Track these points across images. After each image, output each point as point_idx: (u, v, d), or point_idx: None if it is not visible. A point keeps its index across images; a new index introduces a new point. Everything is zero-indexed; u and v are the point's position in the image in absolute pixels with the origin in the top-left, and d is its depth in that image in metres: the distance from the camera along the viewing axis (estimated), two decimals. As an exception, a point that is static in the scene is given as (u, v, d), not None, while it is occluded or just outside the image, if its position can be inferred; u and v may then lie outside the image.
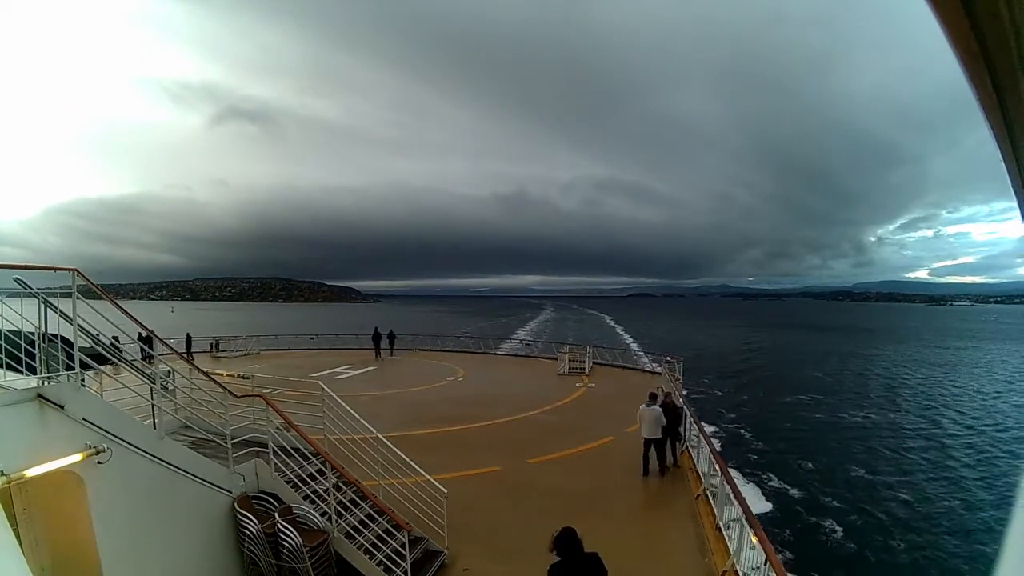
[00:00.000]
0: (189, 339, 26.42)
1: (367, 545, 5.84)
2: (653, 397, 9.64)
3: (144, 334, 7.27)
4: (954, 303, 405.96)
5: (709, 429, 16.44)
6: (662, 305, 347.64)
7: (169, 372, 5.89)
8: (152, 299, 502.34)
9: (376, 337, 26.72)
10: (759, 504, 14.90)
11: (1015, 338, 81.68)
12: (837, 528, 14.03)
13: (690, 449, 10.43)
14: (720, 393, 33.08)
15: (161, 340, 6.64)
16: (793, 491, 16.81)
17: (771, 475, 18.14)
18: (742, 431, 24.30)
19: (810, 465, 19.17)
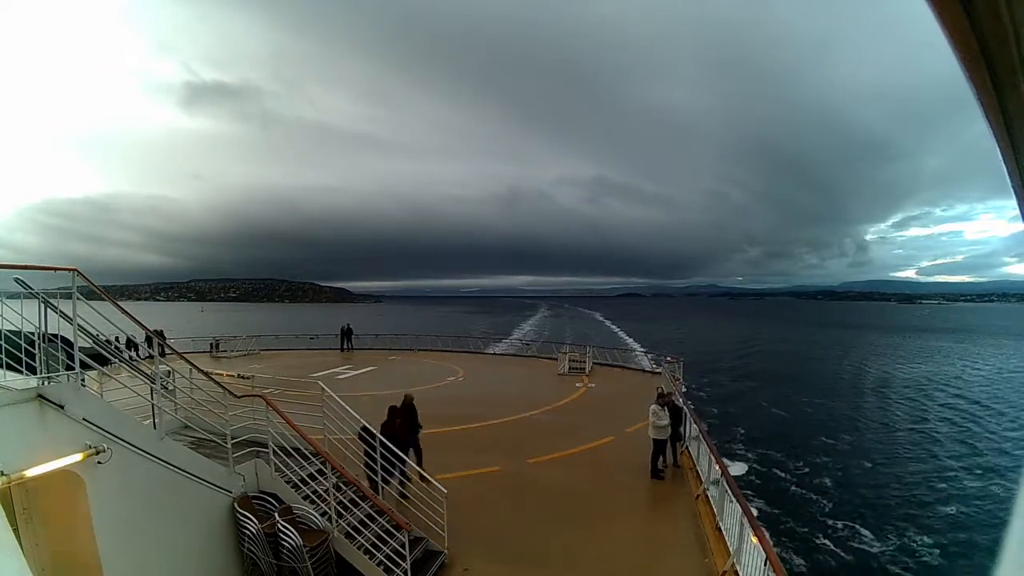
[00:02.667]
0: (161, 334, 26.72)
1: (367, 545, 5.84)
2: (660, 397, 9.64)
3: (145, 334, 7.27)
4: (923, 302, 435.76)
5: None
6: (649, 304, 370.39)
7: (169, 372, 5.89)
8: (158, 300, 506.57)
9: (346, 334, 29.47)
10: (758, 502, 15.05)
11: (927, 329, 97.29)
12: (835, 525, 14.16)
13: (690, 449, 10.44)
14: (696, 386, 33.60)
15: (162, 340, 6.64)
16: (791, 489, 16.97)
17: (768, 471, 18.38)
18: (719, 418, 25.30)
19: (801, 461, 19.27)
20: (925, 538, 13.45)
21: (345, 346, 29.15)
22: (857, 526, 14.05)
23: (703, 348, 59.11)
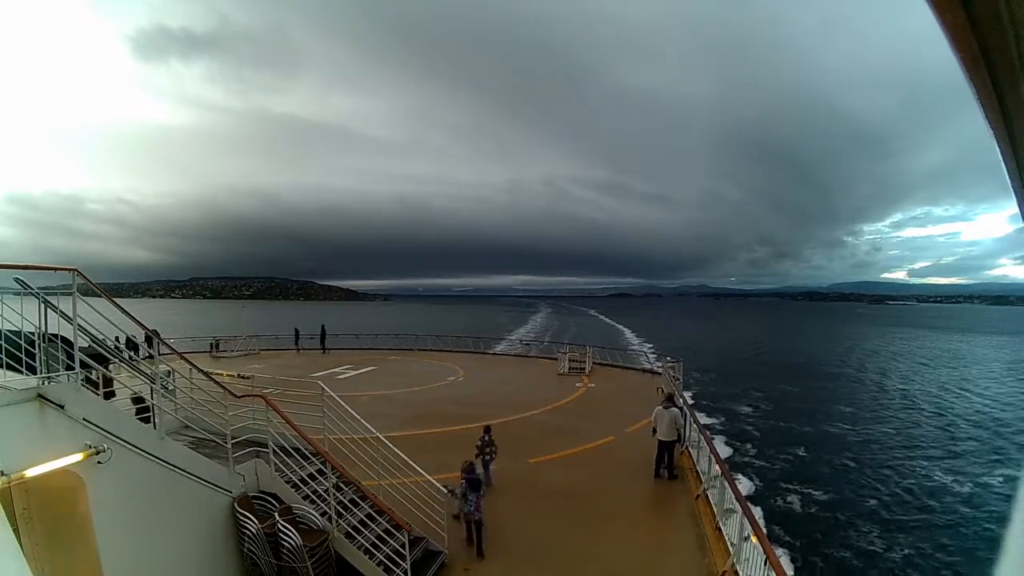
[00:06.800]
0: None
1: (367, 545, 5.84)
2: (670, 399, 9.63)
3: (144, 334, 7.26)
4: (890, 303, 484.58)
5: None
6: (639, 304, 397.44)
7: (169, 372, 5.89)
8: (174, 298, 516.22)
9: (322, 335, 29.87)
10: (758, 502, 15.18)
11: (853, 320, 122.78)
12: (834, 525, 14.35)
13: (690, 449, 10.44)
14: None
15: (161, 340, 6.64)
16: (790, 486, 17.22)
17: (767, 471, 18.68)
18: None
19: (802, 457, 19.35)
20: (924, 536, 13.46)
21: (300, 346, 29.57)
22: (855, 524, 14.20)
23: (674, 339, 70.88)
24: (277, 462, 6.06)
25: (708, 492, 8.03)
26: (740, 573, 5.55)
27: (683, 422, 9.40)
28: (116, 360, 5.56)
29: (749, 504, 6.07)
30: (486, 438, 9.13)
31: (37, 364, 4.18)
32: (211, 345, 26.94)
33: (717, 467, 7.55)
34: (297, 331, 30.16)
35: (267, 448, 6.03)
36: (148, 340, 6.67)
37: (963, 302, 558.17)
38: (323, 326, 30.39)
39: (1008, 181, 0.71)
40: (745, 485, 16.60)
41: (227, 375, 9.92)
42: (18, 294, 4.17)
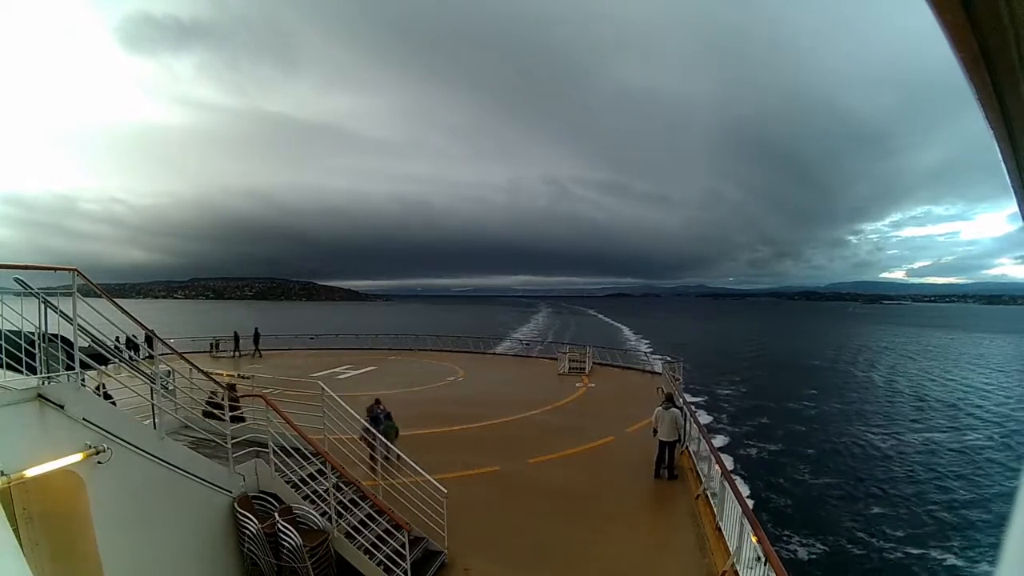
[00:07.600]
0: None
1: (367, 545, 5.85)
2: (670, 399, 9.61)
3: (144, 334, 7.26)
4: (885, 303, 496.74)
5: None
6: (637, 304, 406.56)
7: (169, 372, 5.89)
8: (176, 298, 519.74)
9: (237, 338, 27.81)
10: (726, 451, 17.53)
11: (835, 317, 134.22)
12: (779, 465, 16.44)
13: (690, 449, 10.44)
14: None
15: (161, 340, 6.64)
16: (751, 442, 20.91)
17: (736, 433, 22.07)
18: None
19: (804, 461, 19.45)
20: (923, 536, 13.47)
21: (239, 350, 27.57)
22: (794, 465, 15.28)
23: (672, 337, 75.52)
24: (277, 462, 6.06)
25: (708, 492, 8.03)
26: (740, 573, 5.55)
27: (683, 422, 9.40)
28: (116, 360, 5.56)
29: (746, 497, 6.07)
30: (381, 407, 10.19)
31: (37, 364, 4.18)
32: (211, 345, 26.91)
33: (717, 467, 7.55)
34: (236, 335, 28.01)
35: (267, 448, 6.03)
36: (148, 340, 6.67)
37: (957, 301, 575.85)
38: (256, 328, 28.61)
39: (1008, 181, 0.71)
40: (718, 441, 19.61)
41: (227, 375, 9.92)
42: (18, 294, 4.17)
